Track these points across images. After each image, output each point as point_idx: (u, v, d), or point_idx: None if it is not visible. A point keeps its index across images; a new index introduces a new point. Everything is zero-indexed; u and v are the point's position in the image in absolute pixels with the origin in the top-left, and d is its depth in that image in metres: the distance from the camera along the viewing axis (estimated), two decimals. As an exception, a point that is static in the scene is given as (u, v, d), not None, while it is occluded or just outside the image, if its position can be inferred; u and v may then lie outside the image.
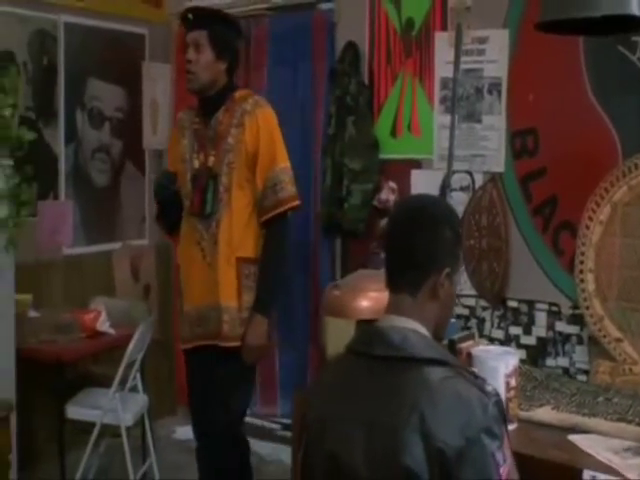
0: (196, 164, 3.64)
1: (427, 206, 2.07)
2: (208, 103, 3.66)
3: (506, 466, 1.77)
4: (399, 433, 1.77)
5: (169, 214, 3.83)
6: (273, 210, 3.58)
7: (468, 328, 4.46)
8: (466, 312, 4.60)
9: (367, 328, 1.97)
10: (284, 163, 3.63)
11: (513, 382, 2.51)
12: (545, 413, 2.68)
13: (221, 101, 3.64)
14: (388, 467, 1.79)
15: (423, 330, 1.92)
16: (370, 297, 2.80)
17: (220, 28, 3.63)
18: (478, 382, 1.84)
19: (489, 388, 1.84)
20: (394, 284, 1.99)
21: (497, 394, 1.85)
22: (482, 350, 2.63)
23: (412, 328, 1.90)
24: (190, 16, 3.65)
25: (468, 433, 1.74)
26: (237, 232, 3.58)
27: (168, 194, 3.74)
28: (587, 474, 2.26)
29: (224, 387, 3.65)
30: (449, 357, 1.93)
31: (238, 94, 3.67)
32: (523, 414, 2.62)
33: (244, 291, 3.60)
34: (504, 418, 1.82)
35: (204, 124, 3.67)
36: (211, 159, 3.60)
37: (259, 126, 3.58)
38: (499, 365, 2.48)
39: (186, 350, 3.78)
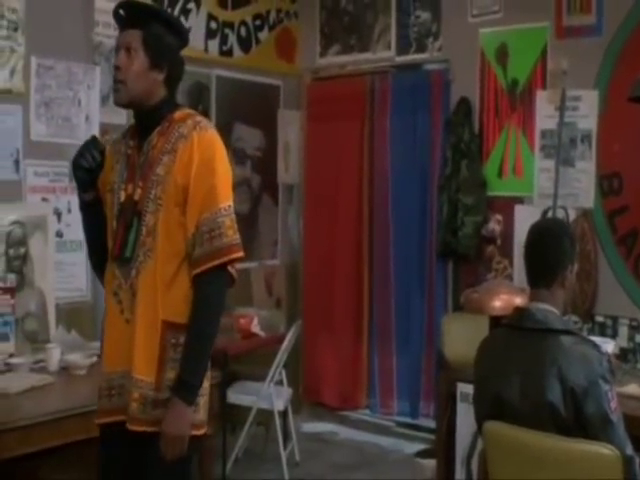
0: (122, 197, 2.81)
1: (551, 227, 3.03)
2: (142, 122, 2.86)
3: (614, 401, 2.68)
4: (544, 378, 2.68)
5: (94, 221, 2.94)
6: (208, 262, 2.71)
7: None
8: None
9: (519, 310, 2.88)
10: (225, 202, 2.75)
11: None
12: (633, 389, 3.58)
13: (156, 120, 2.81)
14: (537, 402, 2.70)
15: (556, 311, 2.83)
16: (501, 298, 3.66)
17: (158, 29, 2.79)
18: (596, 346, 2.74)
19: (603, 350, 2.75)
20: (534, 283, 2.90)
21: (608, 354, 2.76)
22: (588, 338, 3.51)
23: (550, 309, 2.81)
24: (122, 12, 2.83)
25: (590, 378, 2.65)
26: (162, 288, 2.73)
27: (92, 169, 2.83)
28: (666, 425, 3.15)
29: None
30: (575, 329, 2.85)
31: (178, 114, 2.82)
32: (616, 390, 3.48)
33: (166, 366, 2.72)
34: (612, 370, 2.73)
35: (137, 148, 2.84)
36: (138, 191, 2.78)
37: (193, 153, 2.72)
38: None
39: (101, 427, 2.86)
